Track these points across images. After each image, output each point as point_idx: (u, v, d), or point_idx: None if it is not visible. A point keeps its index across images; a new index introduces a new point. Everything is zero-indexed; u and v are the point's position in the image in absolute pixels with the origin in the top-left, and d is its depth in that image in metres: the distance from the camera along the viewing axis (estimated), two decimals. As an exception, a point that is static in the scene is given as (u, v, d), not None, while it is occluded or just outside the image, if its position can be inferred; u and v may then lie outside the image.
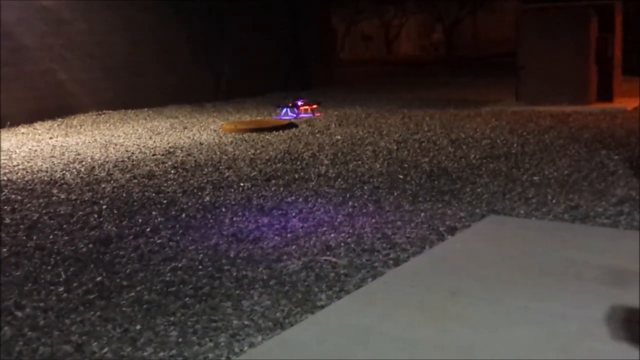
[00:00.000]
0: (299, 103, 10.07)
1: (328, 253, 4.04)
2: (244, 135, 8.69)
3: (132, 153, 7.70)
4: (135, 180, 6.28)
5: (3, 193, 5.98)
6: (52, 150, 8.12)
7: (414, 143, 7.54)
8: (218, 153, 7.50)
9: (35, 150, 8.13)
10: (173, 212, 5.12)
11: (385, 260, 3.85)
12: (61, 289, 3.65)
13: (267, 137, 8.44)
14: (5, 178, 6.61)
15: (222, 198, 5.49)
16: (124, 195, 5.75)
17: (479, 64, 20.77)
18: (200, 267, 3.90)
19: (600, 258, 3.66)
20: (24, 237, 4.63)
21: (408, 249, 4.04)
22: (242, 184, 5.94)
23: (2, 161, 7.51)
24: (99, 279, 3.78)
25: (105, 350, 2.92)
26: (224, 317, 3.19)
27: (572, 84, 9.91)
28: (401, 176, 5.97)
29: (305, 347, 2.81)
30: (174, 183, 6.11)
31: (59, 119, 10.79)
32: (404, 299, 3.23)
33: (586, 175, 5.67)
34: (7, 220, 5.07)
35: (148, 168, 6.82)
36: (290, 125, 9.24)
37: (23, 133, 9.65)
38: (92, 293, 3.58)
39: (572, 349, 2.66)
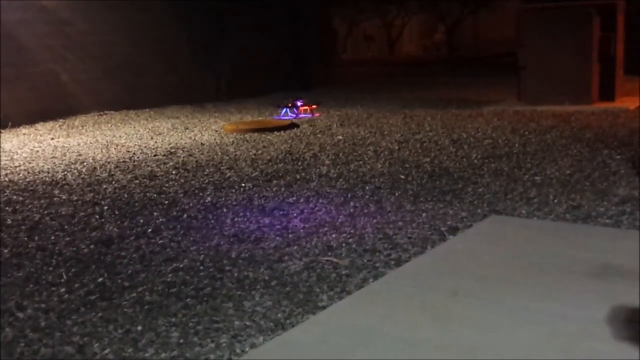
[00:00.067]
0: (299, 103, 10.07)
1: (329, 253, 4.03)
2: (246, 135, 8.69)
3: (134, 154, 7.70)
4: (137, 181, 6.28)
5: (4, 194, 5.99)
6: (53, 151, 8.12)
7: (416, 143, 7.53)
8: (219, 153, 7.50)
9: (37, 151, 8.14)
10: (174, 213, 5.12)
11: (387, 261, 3.85)
12: (62, 289, 3.65)
13: (268, 137, 8.44)
14: (6, 179, 6.62)
15: (223, 198, 5.49)
16: (126, 196, 5.75)
17: (481, 63, 20.76)
18: (201, 267, 3.90)
19: (602, 258, 3.65)
20: (26, 238, 4.63)
21: (409, 249, 4.03)
22: (243, 185, 5.94)
23: (4, 162, 7.52)
24: (100, 279, 3.78)
25: (106, 351, 2.92)
26: (225, 318, 3.19)
27: (574, 83, 9.90)
28: (403, 176, 5.96)
29: (307, 347, 2.80)
30: (176, 183, 6.11)
31: (61, 120, 10.81)
32: (406, 300, 3.22)
33: (588, 175, 5.66)
34: (9, 221, 5.07)
35: (149, 169, 6.82)
36: (292, 125, 9.24)
37: (24, 134, 9.66)
38: (93, 294, 3.58)
39: (573, 349, 2.65)
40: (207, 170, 6.62)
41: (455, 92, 12.88)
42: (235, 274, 3.76)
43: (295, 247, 4.17)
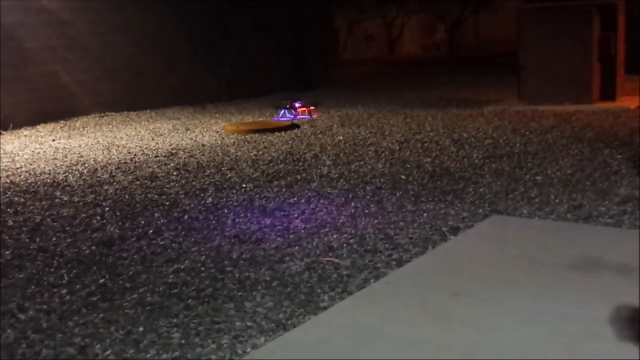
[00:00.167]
0: (297, 105, 10.09)
1: (331, 254, 4.03)
2: (247, 136, 8.70)
3: (135, 155, 7.71)
4: (138, 182, 6.28)
5: (6, 196, 5.99)
6: (55, 152, 8.13)
7: (417, 143, 7.53)
8: (220, 154, 7.51)
9: (38, 153, 8.14)
10: (176, 214, 5.12)
11: (388, 261, 3.85)
12: (64, 291, 3.66)
13: (269, 138, 8.44)
14: (8, 181, 6.63)
15: (224, 199, 5.49)
16: (127, 197, 5.75)
17: (481, 63, 20.75)
18: (203, 268, 3.90)
19: (604, 258, 3.65)
20: (27, 240, 4.64)
21: (411, 249, 4.03)
22: (244, 185, 5.95)
23: (5, 164, 7.52)
24: (102, 281, 3.79)
25: (108, 352, 2.92)
26: (226, 319, 3.19)
27: (575, 83, 9.89)
28: (404, 177, 5.96)
29: (309, 348, 2.81)
30: (177, 185, 6.12)
31: (62, 122, 10.81)
32: (407, 300, 3.22)
33: (589, 175, 5.66)
34: (10, 223, 5.08)
35: (151, 170, 6.83)
36: (293, 126, 9.24)
37: (26, 135, 9.67)
38: (95, 295, 3.58)
39: (575, 349, 2.65)
40: (209, 172, 6.62)
41: (456, 92, 12.87)
42: (237, 275, 3.76)
43: (296, 248, 4.17)
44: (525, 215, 4.66)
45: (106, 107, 11.73)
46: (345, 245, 4.17)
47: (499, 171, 5.98)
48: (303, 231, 4.52)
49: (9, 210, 5.48)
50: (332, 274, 3.71)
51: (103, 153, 7.94)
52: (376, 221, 4.65)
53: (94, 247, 4.40)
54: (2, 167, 7.31)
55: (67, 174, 6.80)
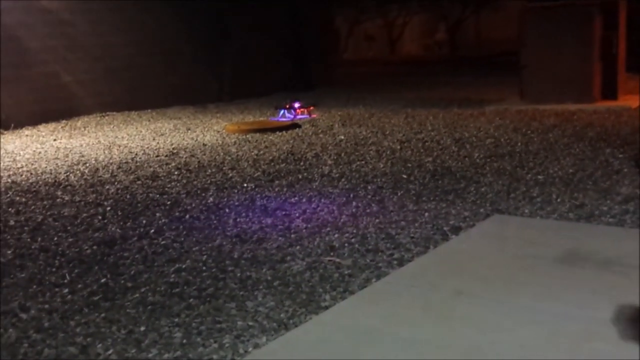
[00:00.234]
0: (296, 105, 10.09)
1: (332, 253, 4.03)
2: (247, 135, 8.70)
3: (136, 154, 7.71)
4: (139, 182, 6.28)
5: (7, 195, 5.99)
6: (56, 152, 8.13)
7: (418, 142, 7.52)
8: (221, 154, 7.50)
9: (39, 152, 8.15)
10: (177, 213, 5.12)
11: (390, 261, 3.85)
12: (65, 290, 3.65)
13: (270, 137, 8.44)
14: (9, 180, 6.63)
15: (225, 199, 5.49)
16: (128, 196, 5.75)
17: (482, 63, 20.74)
18: (204, 268, 3.90)
19: (606, 257, 3.65)
20: (29, 239, 4.64)
21: (412, 249, 4.03)
22: (245, 185, 5.94)
23: (6, 163, 7.53)
24: (103, 280, 3.78)
25: (110, 351, 2.92)
26: (228, 318, 3.19)
27: (576, 82, 9.88)
28: (405, 176, 5.96)
29: (310, 347, 2.80)
30: (178, 184, 6.12)
31: (63, 121, 10.82)
32: (408, 299, 3.22)
33: (591, 174, 5.65)
34: (12, 222, 5.08)
35: (152, 169, 6.83)
36: (294, 125, 9.24)
37: (27, 135, 9.68)
38: (96, 294, 3.58)
39: (577, 349, 2.65)
40: (209, 171, 6.62)
41: (457, 92, 12.86)
42: (238, 274, 3.76)
43: (297, 247, 4.17)
44: (526, 215, 4.65)
45: (107, 106, 11.74)
46: (346, 245, 4.17)
47: (500, 170, 5.97)
48: (304, 230, 4.52)
49: (10, 209, 5.48)
50: (333, 273, 3.71)
51: (104, 152, 7.94)
52: (377, 220, 4.65)
53: (95, 247, 4.40)
54: (3, 167, 7.31)
55: (68, 174, 6.80)
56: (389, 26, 28.85)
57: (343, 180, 5.93)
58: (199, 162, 7.11)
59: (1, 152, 8.24)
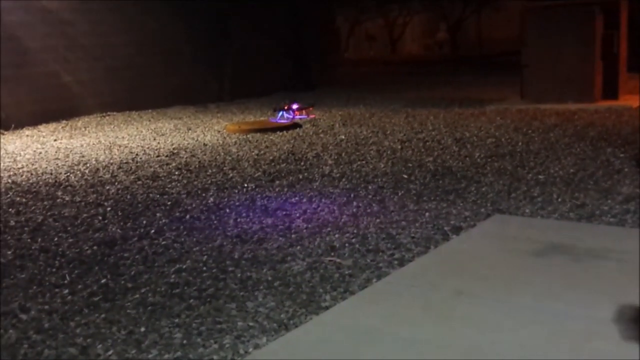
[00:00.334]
0: (294, 106, 10.09)
1: (332, 254, 4.02)
2: (248, 135, 8.69)
3: (136, 154, 7.71)
4: (140, 182, 6.28)
5: (8, 195, 5.99)
6: (56, 152, 8.13)
7: (418, 142, 7.52)
8: (222, 154, 7.50)
9: (40, 153, 8.14)
10: (177, 214, 5.11)
11: (390, 261, 3.84)
12: (66, 291, 3.65)
13: (270, 137, 8.44)
14: (9, 180, 6.63)
15: (226, 199, 5.48)
16: (128, 196, 5.75)
17: (483, 62, 20.73)
18: (204, 268, 3.90)
19: (606, 257, 3.64)
20: (29, 240, 4.63)
21: (413, 249, 4.02)
22: (246, 185, 5.94)
23: (7, 163, 7.53)
24: (103, 281, 3.78)
25: (110, 352, 2.92)
26: (228, 319, 3.18)
27: (577, 81, 9.88)
28: (405, 176, 5.95)
29: (310, 348, 2.80)
30: (178, 184, 6.11)
31: (63, 121, 10.82)
32: (409, 300, 3.21)
33: (592, 174, 5.64)
34: (12, 223, 5.08)
35: (152, 169, 6.83)
36: (294, 125, 9.24)
37: (27, 135, 9.68)
38: (96, 295, 3.57)
39: (577, 349, 2.64)
40: (210, 171, 6.61)
41: (458, 91, 12.86)
42: (239, 275, 3.76)
43: (298, 248, 4.16)
44: (527, 214, 4.65)
45: (107, 106, 11.74)
46: (346, 245, 4.16)
47: (501, 170, 5.96)
48: (305, 230, 4.51)
49: (10, 210, 5.48)
50: (333, 273, 3.70)
51: (104, 152, 7.94)
52: (378, 220, 4.64)
53: (95, 247, 4.39)
54: (3, 167, 7.31)
55: (68, 174, 6.79)
56: (389, 26, 28.85)
57: (344, 180, 5.92)
58: (199, 162, 7.10)
59: (1, 153, 8.24)
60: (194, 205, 5.32)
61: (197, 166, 6.88)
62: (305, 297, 3.39)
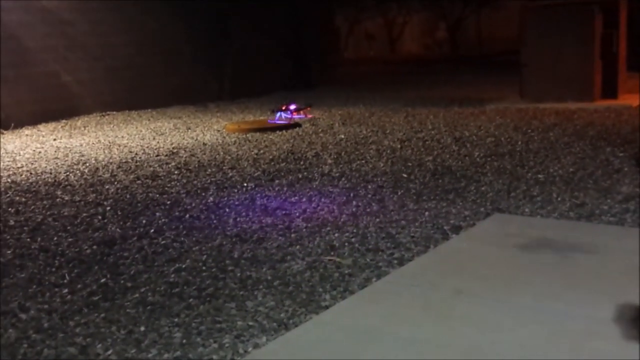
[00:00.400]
0: (292, 107, 10.09)
1: (332, 253, 4.02)
2: (248, 135, 8.69)
3: (136, 154, 7.70)
4: (139, 181, 6.28)
5: (7, 195, 5.99)
6: (55, 151, 8.13)
7: (418, 142, 7.52)
8: (221, 153, 7.50)
9: (39, 152, 8.14)
10: (177, 213, 5.11)
11: (390, 260, 3.84)
12: (65, 290, 3.65)
13: (270, 136, 8.44)
14: (9, 180, 6.62)
15: (225, 198, 5.48)
16: (128, 196, 5.75)
17: (483, 62, 20.73)
18: (204, 268, 3.90)
19: (606, 256, 3.64)
20: (28, 239, 4.63)
21: (412, 248, 4.02)
22: (245, 184, 5.94)
23: (6, 163, 7.52)
24: (103, 280, 3.78)
25: (109, 352, 2.92)
26: (228, 318, 3.18)
27: (577, 80, 9.88)
28: (405, 175, 5.95)
29: (310, 347, 2.80)
30: (178, 184, 6.11)
31: (63, 121, 10.81)
32: (409, 299, 3.21)
33: (591, 173, 5.64)
34: (11, 222, 5.07)
35: (152, 169, 6.82)
36: (294, 124, 9.24)
37: (27, 135, 9.67)
38: (96, 295, 3.57)
39: (577, 349, 2.64)
40: (210, 170, 6.61)
41: (458, 90, 12.85)
42: (238, 274, 3.76)
43: (297, 247, 4.16)
44: (527, 214, 4.65)
45: (107, 106, 11.74)
46: (346, 244, 4.16)
47: (500, 169, 5.96)
48: (304, 230, 4.51)
49: (10, 209, 5.47)
50: (333, 272, 3.70)
51: (104, 152, 7.94)
52: (377, 220, 4.64)
53: (95, 247, 4.39)
54: (3, 166, 7.30)
55: (68, 173, 6.79)
56: (389, 25, 28.85)
57: (343, 179, 5.92)
58: (199, 161, 7.10)
59: (1, 152, 8.24)
60: (193, 205, 5.32)
61: (196, 165, 6.88)
62: (304, 296, 3.39)
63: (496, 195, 5.12)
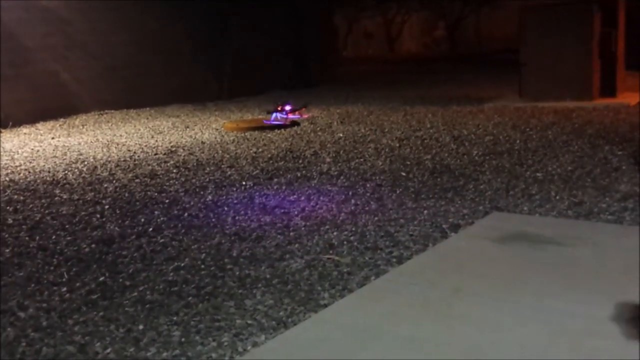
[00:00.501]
0: (287, 107, 10.08)
1: (331, 251, 4.02)
2: (246, 133, 8.69)
3: (134, 152, 7.70)
4: (138, 180, 6.27)
5: (5, 193, 5.98)
6: (54, 150, 8.12)
7: (417, 140, 7.52)
8: (220, 152, 7.49)
9: (38, 151, 8.13)
10: (175, 212, 5.11)
11: (389, 258, 3.84)
12: (64, 289, 3.65)
13: (268, 135, 8.43)
14: (7, 178, 6.62)
15: (224, 197, 5.48)
16: (126, 194, 5.74)
17: (482, 61, 20.74)
18: (202, 266, 3.89)
19: (605, 255, 3.64)
20: (27, 238, 4.63)
21: (411, 246, 4.02)
22: (244, 183, 5.94)
23: (5, 161, 7.52)
24: (101, 279, 3.78)
25: (108, 350, 2.91)
26: (227, 317, 3.18)
27: (575, 79, 9.89)
28: (404, 173, 5.95)
29: (309, 346, 2.80)
30: (176, 182, 6.11)
31: (61, 119, 10.81)
32: (408, 297, 3.21)
33: (590, 171, 5.65)
34: (10, 221, 5.07)
35: (150, 167, 6.82)
36: (292, 123, 9.23)
37: (25, 133, 9.66)
38: (94, 293, 3.57)
39: (577, 347, 2.64)
40: (208, 169, 6.61)
41: (456, 89, 12.86)
42: (237, 273, 3.75)
43: (296, 245, 4.16)
44: (525, 212, 4.65)
45: (106, 104, 11.73)
46: (345, 243, 4.16)
47: (499, 168, 5.97)
48: (303, 228, 4.51)
49: (8, 208, 5.47)
50: (332, 271, 3.70)
51: (102, 151, 7.93)
52: (376, 218, 4.64)
53: (93, 245, 4.39)
54: (1, 165, 7.30)
55: (66, 172, 6.79)
56: (388, 24, 28.86)
57: (342, 178, 5.92)
58: (197, 160, 7.10)
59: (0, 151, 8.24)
60: (192, 203, 5.32)
61: (195, 164, 6.88)
62: (303, 294, 3.39)
63: (495, 194, 5.12)
